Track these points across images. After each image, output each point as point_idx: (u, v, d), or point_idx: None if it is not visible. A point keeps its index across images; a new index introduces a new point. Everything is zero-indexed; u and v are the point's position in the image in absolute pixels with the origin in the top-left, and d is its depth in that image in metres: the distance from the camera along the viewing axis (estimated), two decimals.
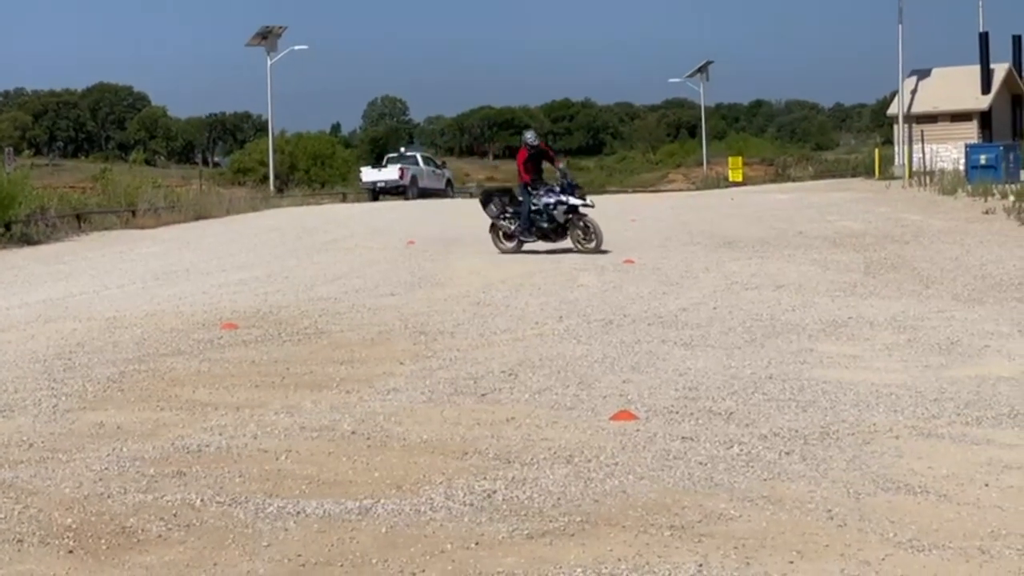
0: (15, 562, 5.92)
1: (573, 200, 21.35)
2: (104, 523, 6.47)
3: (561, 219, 21.31)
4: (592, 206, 21.64)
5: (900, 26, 49.89)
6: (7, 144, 47.78)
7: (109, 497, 6.93)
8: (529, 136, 22.12)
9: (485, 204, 22.52)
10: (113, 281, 19.18)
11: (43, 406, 9.46)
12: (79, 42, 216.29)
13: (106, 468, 7.55)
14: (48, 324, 14.16)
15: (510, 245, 21.95)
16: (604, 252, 20.77)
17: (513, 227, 21.83)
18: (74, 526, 6.43)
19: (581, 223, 21.43)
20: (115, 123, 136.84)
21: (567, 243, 21.53)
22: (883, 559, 5.67)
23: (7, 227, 29.09)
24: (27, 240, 29.15)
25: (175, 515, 6.58)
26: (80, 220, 33.15)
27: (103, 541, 6.20)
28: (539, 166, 21.93)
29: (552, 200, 21.32)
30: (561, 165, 22.05)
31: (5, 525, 6.46)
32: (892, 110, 52.68)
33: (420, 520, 6.41)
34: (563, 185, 21.50)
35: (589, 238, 21.30)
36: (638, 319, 13.34)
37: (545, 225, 21.45)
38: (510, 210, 21.91)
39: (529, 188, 21.60)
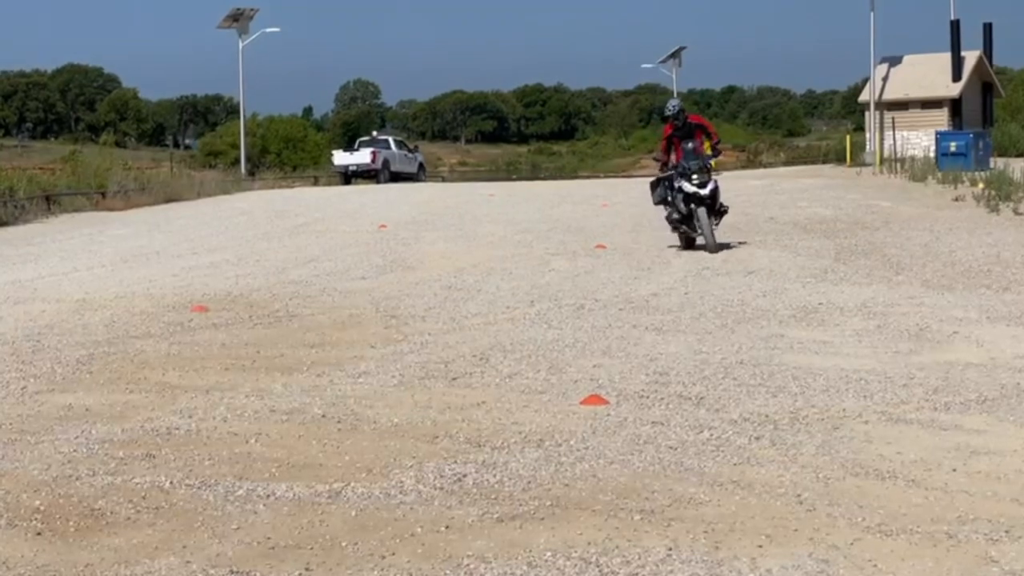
0: None
1: (688, 186, 18.33)
2: (72, 505, 6.45)
3: (684, 210, 18.35)
4: (704, 191, 18.32)
5: (872, 13, 49.99)
6: None
7: (78, 479, 6.90)
8: (672, 105, 18.93)
9: (653, 190, 19.28)
10: (83, 263, 19.08)
11: (11, 388, 9.41)
12: (49, 23, 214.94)
13: (75, 450, 7.52)
14: (17, 306, 14.09)
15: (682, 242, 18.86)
16: (725, 248, 18.38)
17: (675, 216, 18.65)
18: (42, 508, 6.40)
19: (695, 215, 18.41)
20: (85, 105, 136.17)
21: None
22: (852, 543, 5.70)
23: None
24: None
25: (144, 497, 6.55)
26: (49, 202, 32.92)
27: (71, 523, 6.17)
28: (685, 145, 18.67)
29: (676, 186, 18.50)
30: (690, 145, 18.69)
31: None
32: (863, 97, 52.80)
33: (390, 503, 6.41)
34: (683, 168, 18.46)
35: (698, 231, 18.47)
36: (609, 304, 13.35)
37: (676, 216, 18.61)
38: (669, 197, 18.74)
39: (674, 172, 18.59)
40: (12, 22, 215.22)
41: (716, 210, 18.60)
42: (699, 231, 18.26)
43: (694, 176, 18.26)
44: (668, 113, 18.85)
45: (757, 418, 8.10)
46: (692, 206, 18.23)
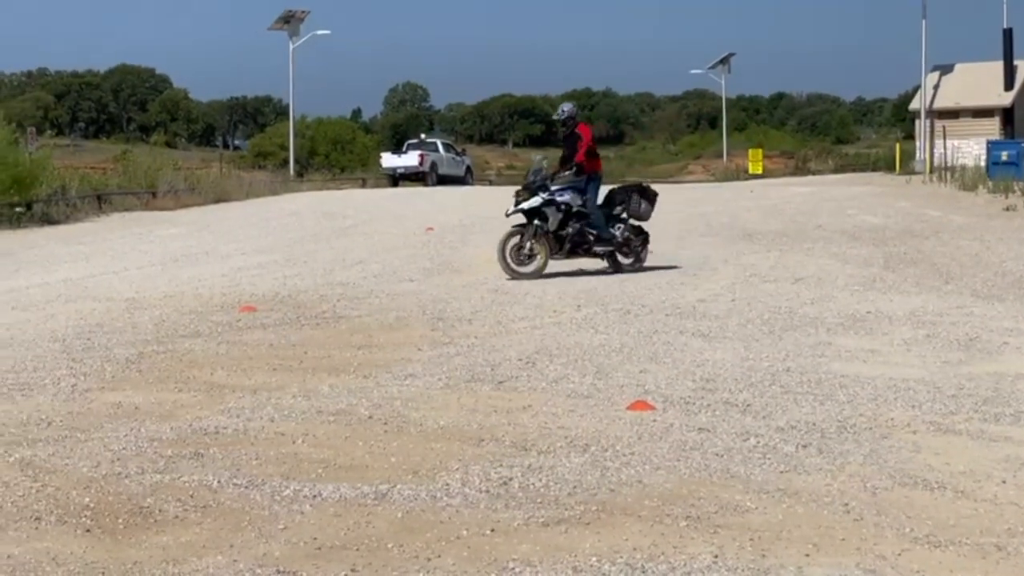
0: (33, 540, 5.94)
1: (512, 206, 17.20)
2: (121, 503, 6.50)
3: (513, 230, 17.04)
4: (521, 206, 16.92)
5: (924, 21, 49.74)
6: (29, 124, 47.86)
7: (127, 477, 6.96)
8: (561, 110, 17.68)
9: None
10: (132, 262, 19.24)
11: (62, 385, 9.50)
12: (102, 23, 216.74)
13: (124, 448, 7.58)
14: (68, 304, 14.22)
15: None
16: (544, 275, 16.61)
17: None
18: (92, 505, 6.45)
19: None
20: (137, 105, 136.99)
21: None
22: (899, 554, 5.66)
23: (28, 206, 29.22)
24: (48, 220, 29.27)
25: (192, 496, 6.60)
26: (100, 201, 33.26)
27: (120, 520, 6.22)
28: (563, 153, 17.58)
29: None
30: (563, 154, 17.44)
31: (23, 503, 6.50)
32: (914, 105, 52.54)
33: (436, 506, 6.42)
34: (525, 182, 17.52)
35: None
36: (656, 309, 13.33)
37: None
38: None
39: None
40: (66, 23, 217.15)
41: (558, 232, 16.71)
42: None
43: (522, 193, 16.99)
44: (555, 118, 17.90)
45: (804, 426, 8.06)
46: (535, 221, 16.72)
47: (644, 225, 17.49)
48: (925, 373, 9.83)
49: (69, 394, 9.20)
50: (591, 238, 16.86)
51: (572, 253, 16.81)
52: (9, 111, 42.70)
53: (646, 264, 17.24)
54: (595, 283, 15.75)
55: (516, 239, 16.61)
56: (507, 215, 17.08)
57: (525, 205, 16.74)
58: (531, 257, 16.57)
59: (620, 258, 17.12)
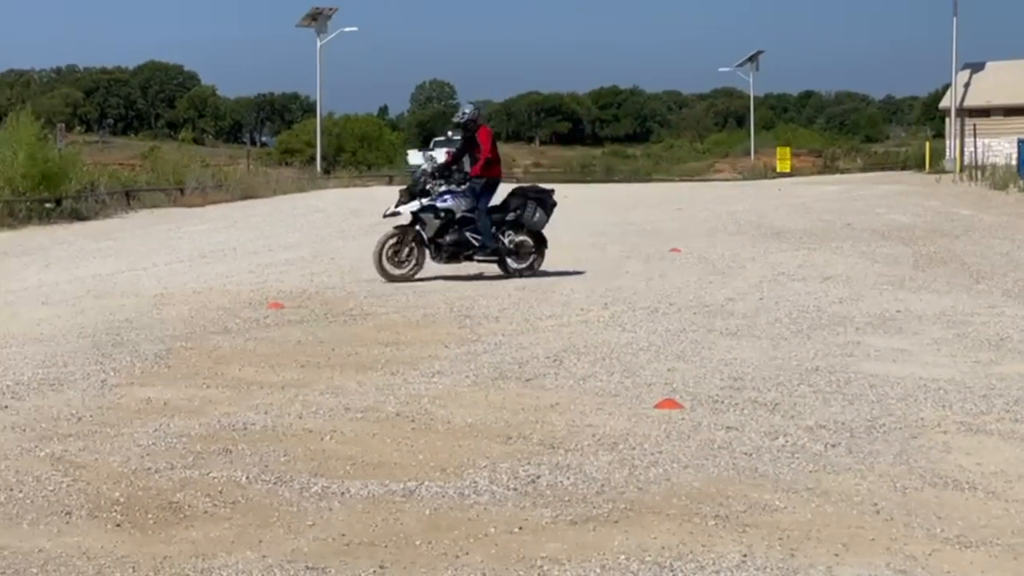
0: (63, 534, 5.97)
1: (391, 207, 16.74)
2: (151, 498, 6.52)
3: (392, 231, 16.51)
4: (395, 209, 16.49)
5: (955, 19, 49.49)
6: (59, 120, 48.12)
7: (156, 472, 6.98)
8: (462, 111, 17.09)
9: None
10: (161, 258, 19.31)
11: (92, 381, 9.54)
12: (131, 20, 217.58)
13: (153, 443, 7.60)
14: (97, 300, 14.29)
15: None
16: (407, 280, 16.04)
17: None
18: (122, 500, 6.47)
19: None
20: (165, 101, 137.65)
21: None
22: (930, 554, 5.63)
23: (58, 202, 29.38)
24: (77, 216, 29.43)
25: (221, 492, 6.61)
26: (129, 197, 33.43)
27: (150, 515, 6.24)
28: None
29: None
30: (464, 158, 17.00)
31: (54, 497, 6.53)
32: (944, 103, 52.31)
33: (464, 503, 6.42)
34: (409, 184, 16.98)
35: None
36: (684, 308, 13.30)
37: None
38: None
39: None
40: (94, 19, 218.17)
41: (438, 239, 16.26)
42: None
43: (402, 195, 16.49)
44: (456, 120, 17.17)
45: (833, 425, 8.03)
46: (417, 227, 16.19)
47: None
48: (955, 373, 9.78)
49: (99, 389, 9.24)
50: (474, 245, 16.28)
51: (452, 258, 16.28)
52: (38, 108, 42.91)
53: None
54: (622, 281, 15.73)
55: (393, 241, 16.09)
56: (384, 217, 16.59)
57: (402, 209, 16.22)
58: (404, 262, 16.04)
59: (510, 263, 16.44)
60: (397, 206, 16.32)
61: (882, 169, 58.14)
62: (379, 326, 12.20)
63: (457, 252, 16.31)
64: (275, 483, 6.77)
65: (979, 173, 40.01)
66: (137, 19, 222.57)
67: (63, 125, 41.48)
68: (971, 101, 49.49)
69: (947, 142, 50.43)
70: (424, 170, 16.57)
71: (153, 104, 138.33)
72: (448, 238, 16.18)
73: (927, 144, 54.06)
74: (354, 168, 64.12)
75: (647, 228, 23.61)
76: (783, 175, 57.41)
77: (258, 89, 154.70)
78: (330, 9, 58.63)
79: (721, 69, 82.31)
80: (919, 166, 51.88)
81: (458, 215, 16.22)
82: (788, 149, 64.95)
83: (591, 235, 22.11)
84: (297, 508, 6.36)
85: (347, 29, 60.27)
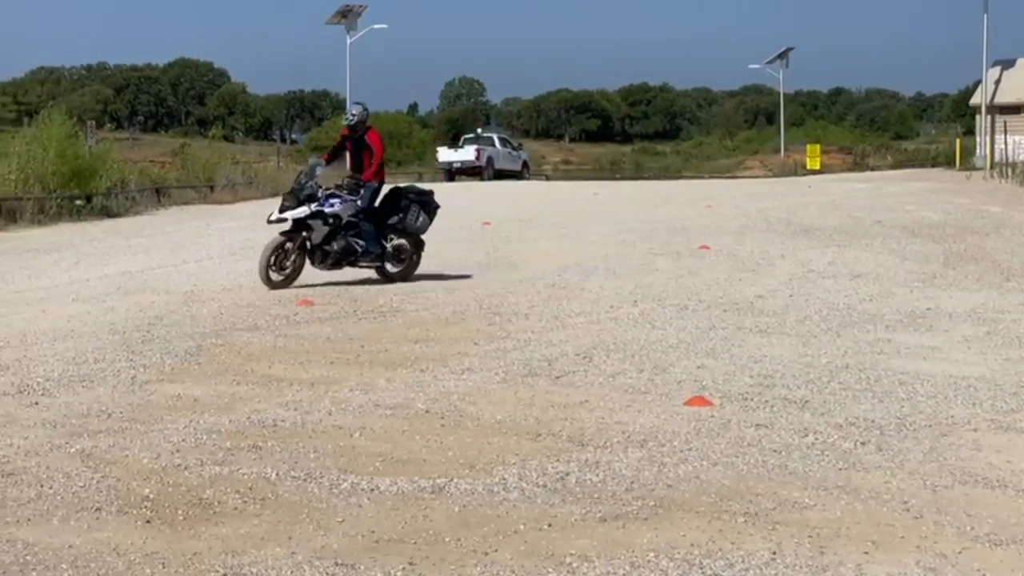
0: (94, 530, 6.00)
1: (274, 212, 15.71)
2: (181, 494, 6.55)
3: (277, 240, 15.45)
4: (282, 215, 15.44)
5: (985, 15, 49.18)
6: (89, 118, 48.35)
7: (186, 469, 7.01)
8: (352, 112, 16.33)
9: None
10: (191, 255, 19.38)
11: (122, 377, 9.58)
12: (161, 18, 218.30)
13: (183, 440, 7.63)
14: (127, 296, 14.35)
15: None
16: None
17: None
18: (152, 496, 6.50)
19: None
20: (195, 99, 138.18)
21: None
22: (960, 552, 5.61)
23: (88, 199, 29.51)
24: (107, 213, 29.56)
25: (251, 488, 6.64)
26: (159, 194, 33.55)
27: (180, 512, 6.27)
28: (352, 160, 16.31)
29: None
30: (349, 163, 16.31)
31: (85, 493, 6.56)
32: (975, 100, 51.98)
33: (493, 500, 6.43)
34: (293, 186, 15.97)
35: None
36: (713, 305, 13.27)
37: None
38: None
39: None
40: (125, 17, 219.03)
41: (323, 245, 15.37)
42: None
43: (288, 199, 15.46)
44: (345, 122, 16.25)
45: (863, 423, 8.00)
46: (303, 233, 15.26)
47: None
48: (986, 370, 9.73)
49: (129, 386, 9.28)
50: (358, 251, 15.57)
51: (336, 265, 15.52)
52: (69, 105, 43.17)
53: (704, 259, 17.12)
54: (652, 278, 15.71)
55: (280, 247, 15.12)
56: (268, 222, 15.59)
57: (289, 215, 15.27)
58: (285, 268, 15.09)
59: (388, 267, 15.82)
60: (282, 211, 15.32)
61: (912, 166, 57.83)
62: (408, 323, 12.21)
63: (342, 258, 15.52)
64: (305, 480, 6.79)
65: (1010, 170, 39.74)
66: (167, 16, 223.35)
67: (94, 122, 41.65)
68: (1002, 98, 49.17)
69: (977, 139, 50.12)
70: (314, 174, 15.55)
71: (183, 101, 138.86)
72: (336, 245, 15.36)
73: (957, 141, 53.71)
74: (384, 165, 64.20)
75: (676, 225, 23.55)
76: (813, 172, 57.19)
77: (288, 86, 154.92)
78: (360, 6, 58.63)
79: (751, 66, 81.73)
80: (949, 163, 51.58)
81: (344, 220, 15.37)
82: (818, 146, 64.69)
83: (620, 232, 22.07)
84: (327, 505, 6.37)
85: (377, 26, 60.32)
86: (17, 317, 12.87)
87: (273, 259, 15.02)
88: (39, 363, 10.15)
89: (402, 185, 16.85)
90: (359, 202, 15.54)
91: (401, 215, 15.81)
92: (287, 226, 15.28)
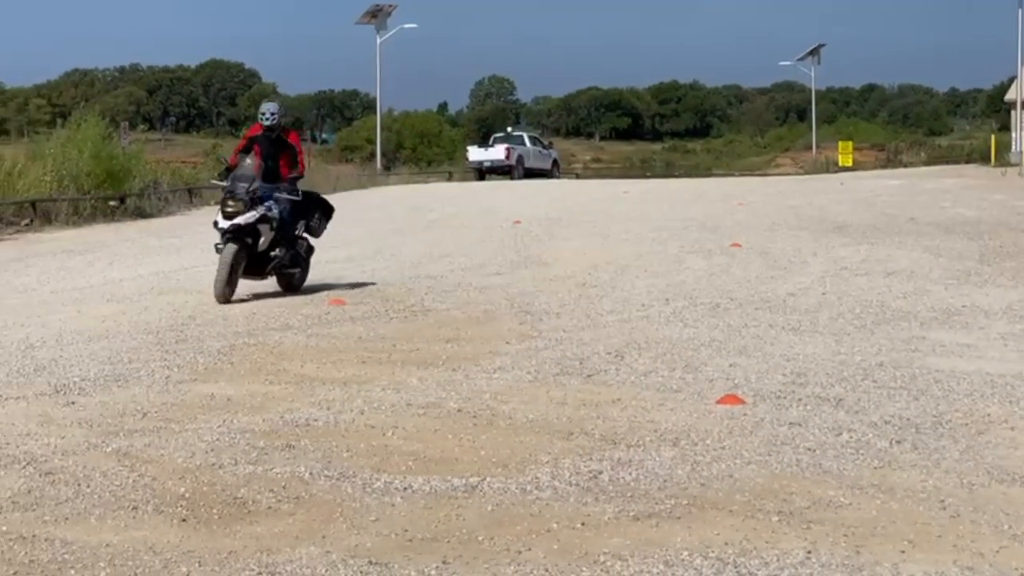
0: (131, 528, 6.03)
1: (219, 217, 14.40)
2: (216, 493, 6.57)
3: (220, 244, 14.32)
4: (226, 223, 14.10)
5: (1020, 10, 48.86)
6: (122, 119, 48.59)
7: (220, 468, 7.03)
8: (270, 111, 14.77)
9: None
10: None
11: (156, 377, 9.62)
12: (193, 19, 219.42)
13: (217, 439, 7.66)
14: (160, 296, 14.40)
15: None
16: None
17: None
18: (187, 495, 6.53)
19: None
20: (226, 99, 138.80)
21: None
22: (997, 551, 5.57)
23: (122, 200, 29.66)
24: (140, 213, 29.71)
25: (284, 487, 6.65)
26: (192, 194, 33.71)
27: (215, 511, 6.29)
28: (265, 161, 14.64)
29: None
30: (269, 163, 14.62)
31: (121, 492, 6.59)
32: (1010, 95, 51.72)
33: (526, 499, 6.42)
34: (226, 190, 14.41)
35: None
36: (745, 303, 13.23)
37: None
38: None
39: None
40: (157, 18, 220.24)
41: (267, 254, 14.30)
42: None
43: (229, 202, 14.07)
44: (266, 121, 14.58)
45: (898, 421, 7.96)
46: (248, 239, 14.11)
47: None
48: (1022, 368, 9.67)
49: (163, 385, 9.32)
50: (301, 256, 14.83)
51: (268, 273, 14.44)
52: (103, 106, 43.34)
53: (736, 257, 17.05)
54: (683, 276, 15.67)
55: (236, 257, 13.89)
56: (217, 227, 14.20)
57: (241, 220, 13.96)
58: (234, 281, 13.91)
59: (298, 273, 14.91)
60: (229, 218, 14.01)
61: (946, 163, 57.50)
62: (440, 322, 12.22)
63: (282, 267, 14.52)
64: (338, 479, 6.80)
65: None
66: (199, 18, 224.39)
67: (127, 123, 41.89)
68: None
69: (1013, 135, 49.86)
70: (252, 175, 14.25)
71: (215, 102, 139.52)
72: (279, 250, 14.36)
73: (992, 137, 53.44)
74: (414, 164, 64.32)
75: (707, 223, 23.47)
76: (845, 169, 56.96)
77: (318, 86, 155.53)
78: (390, 6, 58.77)
79: (782, 63, 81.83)
80: (984, 159, 51.33)
81: (276, 223, 14.30)
82: (850, 143, 64.41)
83: (651, 230, 22.02)
84: (360, 504, 6.38)
85: (406, 26, 60.44)
86: (53, 317, 12.94)
87: (232, 270, 13.84)
88: (75, 363, 10.20)
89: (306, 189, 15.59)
90: (285, 204, 14.40)
91: (306, 220, 14.90)
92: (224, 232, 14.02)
